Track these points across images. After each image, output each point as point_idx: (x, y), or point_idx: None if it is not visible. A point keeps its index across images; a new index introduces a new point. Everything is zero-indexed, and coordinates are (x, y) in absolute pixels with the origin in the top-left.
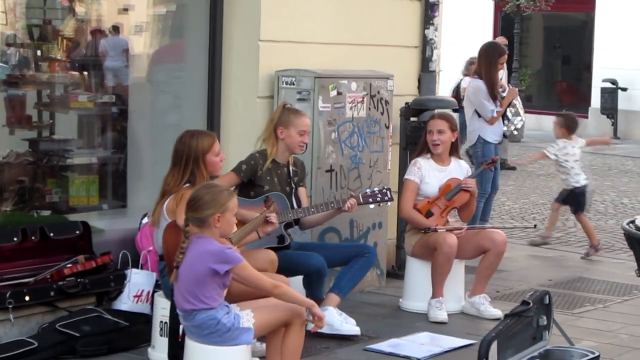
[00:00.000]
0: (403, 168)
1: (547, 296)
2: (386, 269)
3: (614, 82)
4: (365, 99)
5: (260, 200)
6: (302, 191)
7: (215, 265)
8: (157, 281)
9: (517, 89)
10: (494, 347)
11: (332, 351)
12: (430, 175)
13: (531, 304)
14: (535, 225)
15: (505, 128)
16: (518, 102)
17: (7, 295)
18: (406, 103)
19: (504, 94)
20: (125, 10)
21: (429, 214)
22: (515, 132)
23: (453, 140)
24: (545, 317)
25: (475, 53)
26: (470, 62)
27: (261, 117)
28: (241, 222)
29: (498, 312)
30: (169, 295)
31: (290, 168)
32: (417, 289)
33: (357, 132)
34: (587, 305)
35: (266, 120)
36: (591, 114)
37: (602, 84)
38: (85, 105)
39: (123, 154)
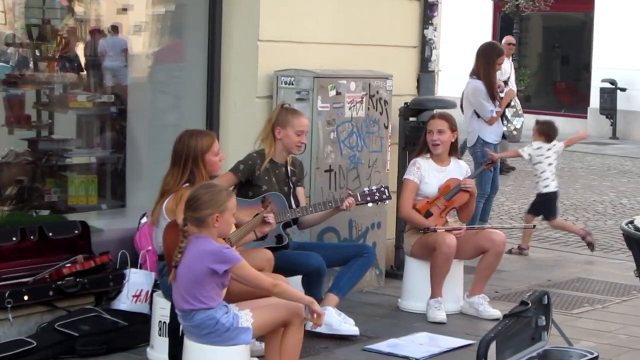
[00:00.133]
0: (402, 168)
1: (546, 296)
2: (385, 269)
3: (613, 82)
4: (364, 99)
5: (258, 200)
6: (300, 191)
7: (214, 265)
8: (156, 281)
9: (515, 90)
10: (492, 347)
11: (331, 351)
12: (430, 175)
13: (530, 305)
14: (534, 226)
15: (505, 128)
16: (517, 102)
17: (6, 294)
18: (405, 103)
19: (502, 94)
20: (124, 10)
21: (428, 214)
22: (515, 132)
23: (453, 140)
24: (544, 318)
25: (474, 53)
26: None
27: (260, 117)
28: (236, 225)
29: (497, 313)
30: (168, 295)
31: (289, 168)
32: (415, 289)
33: (356, 132)
34: (585, 306)
35: (265, 120)
36: (590, 114)
37: (601, 84)
38: (84, 105)
39: (122, 154)
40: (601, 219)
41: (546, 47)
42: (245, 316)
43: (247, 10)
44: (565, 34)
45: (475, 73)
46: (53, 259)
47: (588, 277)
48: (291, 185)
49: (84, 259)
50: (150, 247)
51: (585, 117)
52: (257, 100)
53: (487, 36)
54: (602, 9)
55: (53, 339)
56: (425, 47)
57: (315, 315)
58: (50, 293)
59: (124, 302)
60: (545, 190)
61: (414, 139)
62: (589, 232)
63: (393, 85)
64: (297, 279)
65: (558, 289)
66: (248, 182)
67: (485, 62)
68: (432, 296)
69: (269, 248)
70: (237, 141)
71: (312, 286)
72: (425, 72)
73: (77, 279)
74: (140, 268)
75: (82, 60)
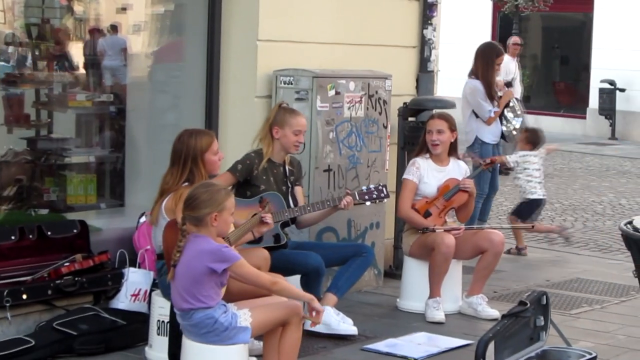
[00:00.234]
0: (401, 168)
1: (545, 297)
2: (384, 268)
3: (612, 82)
4: (363, 99)
5: (256, 200)
6: (298, 190)
7: (213, 263)
8: (154, 280)
9: (519, 90)
10: (491, 347)
11: (329, 351)
12: (429, 175)
13: (528, 305)
14: (532, 226)
15: (504, 128)
16: (515, 103)
17: (5, 293)
18: (404, 103)
19: (500, 94)
20: (124, 9)
21: (427, 214)
22: (515, 132)
23: (452, 140)
24: (542, 318)
25: (473, 53)
26: None
27: (259, 117)
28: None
29: (495, 313)
30: (167, 294)
31: (287, 167)
32: (414, 289)
33: (355, 132)
34: (584, 306)
35: (264, 119)
36: (589, 115)
37: (601, 85)
38: (83, 104)
39: (121, 153)
40: (600, 220)
41: (545, 47)
42: (243, 315)
43: (246, 10)
44: (564, 34)
45: (474, 73)
46: (52, 258)
47: (587, 278)
48: (289, 185)
49: (82, 258)
50: (148, 247)
51: (584, 118)
52: (256, 99)
53: (486, 36)
54: (601, 10)
55: (51, 338)
56: (424, 47)
57: (314, 313)
58: (49, 292)
59: (123, 301)
60: (532, 197)
61: (413, 139)
62: (564, 227)
63: (392, 85)
64: (296, 278)
65: (556, 289)
66: (246, 181)
67: (484, 62)
68: (431, 296)
69: (267, 247)
70: (236, 141)
71: (310, 286)
72: (424, 72)
73: (76, 278)
74: (139, 267)
75: (82, 60)
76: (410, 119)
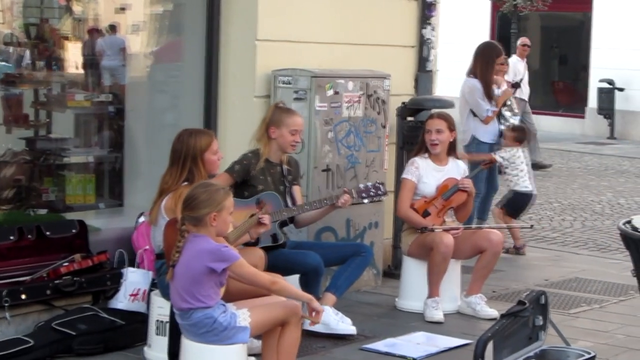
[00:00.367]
0: (399, 168)
1: (543, 296)
2: (382, 268)
3: (611, 82)
4: (361, 99)
5: (253, 200)
6: (296, 190)
7: (212, 263)
8: (153, 280)
9: (527, 91)
10: (489, 347)
11: (328, 350)
12: (428, 174)
13: (527, 304)
14: (531, 226)
15: (503, 127)
16: (512, 101)
17: (4, 293)
18: (403, 103)
19: (498, 92)
20: (122, 9)
21: (425, 214)
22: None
23: (451, 140)
24: (541, 317)
25: (472, 53)
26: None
27: (258, 117)
28: None
29: (494, 312)
30: (166, 294)
31: (284, 167)
32: (413, 288)
33: (354, 131)
34: (583, 306)
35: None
36: (588, 114)
37: (599, 84)
38: (82, 104)
39: (120, 153)
40: (599, 219)
41: (544, 47)
42: (242, 315)
43: (245, 10)
44: (563, 34)
45: (473, 72)
46: (51, 258)
47: (585, 277)
48: (287, 184)
49: (81, 258)
50: (147, 247)
51: (583, 117)
52: (255, 99)
53: (485, 36)
54: (600, 9)
55: (50, 338)
56: (423, 46)
57: (313, 314)
58: (48, 292)
59: (122, 301)
60: (523, 190)
61: (412, 139)
62: (525, 245)
63: (391, 85)
64: (295, 278)
65: (555, 288)
66: (244, 182)
67: (484, 62)
68: (430, 296)
69: (265, 247)
70: (234, 140)
71: (309, 285)
72: (423, 71)
73: (75, 278)
74: (138, 267)
75: (80, 60)
76: (409, 118)
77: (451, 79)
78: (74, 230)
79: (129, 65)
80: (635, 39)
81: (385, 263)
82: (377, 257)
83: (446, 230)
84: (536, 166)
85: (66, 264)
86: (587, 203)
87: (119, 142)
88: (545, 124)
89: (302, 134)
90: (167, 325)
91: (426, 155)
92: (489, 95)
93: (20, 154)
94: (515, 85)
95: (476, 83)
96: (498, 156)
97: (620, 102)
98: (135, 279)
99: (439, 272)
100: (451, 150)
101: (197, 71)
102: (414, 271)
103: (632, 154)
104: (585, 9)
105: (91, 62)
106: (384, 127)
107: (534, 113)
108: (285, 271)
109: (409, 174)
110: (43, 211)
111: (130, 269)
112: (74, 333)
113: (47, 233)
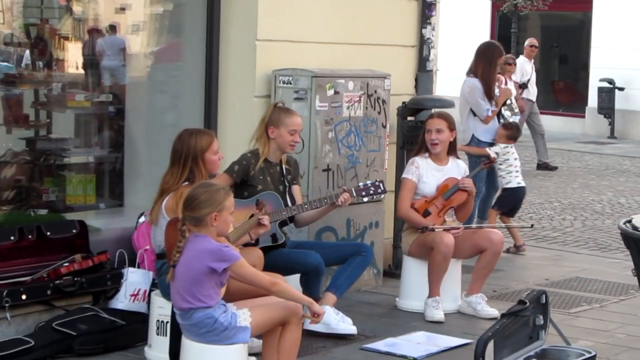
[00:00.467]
0: (400, 167)
1: (544, 295)
2: (383, 268)
3: (611, 81)
4: (362, 98)
5: (253, 200)
6: (296, 189)
7: (213, 263)
8: (153, 280)
9: (535, 91)
10: (490, 346)
11: (329, 350)
12: (428, 174)
13: (528, 304)
14: (532, 225)
15: None
16: (512, 101)
17: (4, 293)
18: (403, 102)
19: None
20: (122, 9)
21: (426, 214)
22: None
23: (451, 139)
24: (541, 317)
25: (472, 53)
26: (505, 62)
27: (258, 117)
28: None
29: (494, 312)
30: (166, 294)
31: (283, 167)
32: (413, 288)
33: (354, 131)
34: (583, 305)
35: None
36: (588, 114)
37: (599, 84)
38: (82, 104)
39: (120, 153)
40: (599, 219)
41: (544, 46)
42: (243, 315)
43: (245, 10)
44: (563, 33)
45: (473, 71)
46: (51, 258)
47: (586, 277)
48: (286, 184)
49: (82, 258)
50: (148, 247)
51: (584, 117)
52: (255, 99)
53: (485, 36)
54: (600, 9)
55: (51, 338)
56: (423, 46)
57: (315, 315)
58: (48, 292)
59: (122, 301)
60: (514, 186)
61: (412, 139)
62: (524, 244)
63: (391, 85)
64: (296, 277)
65: (556, 288)
66: (243, 182)
67: (486, 62)
68: (430, 295)
69: (265, 247)
70: (235, 140)
71: (310, 285)
72: (423, 71)
73: (75, 278)
74: (138, 267)
75: (80, 60)
76: (409, 118)
77: (451, 78)
78: (74, 231)
79: (129, 66)
80: (635, 38)
81: (386, 263)
82: (377, 256)
83: (447, 230)
84: (543, 167)
85: (66, 264)
86: (588, 202)
87: (119, 142)
88: (546, 123)
89: (301, 133)
90: (168, 325)
91: (426, 154)
92: (489, 94)
93: (20, 154)
94: (523, 86)
95: (476, 82)
96: (491, 151)
97: (620, 102)
98: (135, 279)
99: (440, 271)
100: (451, 149)
101: (197, 71)
102: (415, 271)
103: (633, 153)
104: (585, 8)
105: (91, 62)
106: (385, 126)
107: None
108: (286, 271)
109: (409, 174)
110: (43, 211)
111: (131, 269)
112: (74, 333)
113: (48, 233)
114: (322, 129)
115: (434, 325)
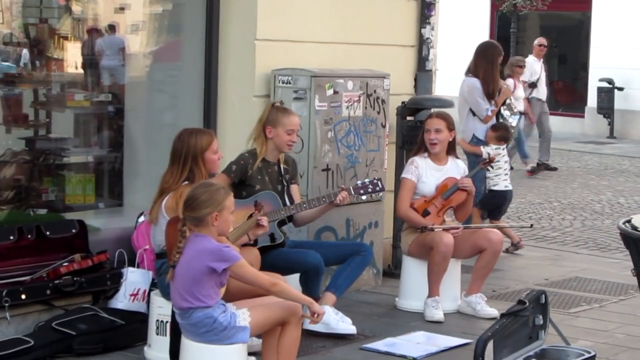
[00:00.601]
0: (399, 167)
1: (543, 295)
2: (382, 268)
3: (610, 81)
4: (361, 98)
5: (251, 200)
6: (294, 188)
7: (213, 263)
8: (153, 280)
9: (545, 91)
10: (490, 346)
11: (328, 350)
12: (428, 174)
13: (527, 304)
14: (531, 225)
15: None
16: (512, 101)
17: (4, 293)
18: (402, 102)
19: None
20: (122, 9)
21: (425, 213)
22: (512, 130)
23: (450, 139)
24: (541, 317)
25: (471, 52)
26: (514, 64)
27: (257, 116)
28: None
29: (494, 312)
30: (166, 293)
31: (281, 166)
32: (413, 288)
33: (354, 131)
34: (583, 305)
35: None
36: (587, 114)
37: (599, 84)
38: (81, 104)
39: (119, 153)
40: (599, 218)
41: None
42: (242, 315)
43: (244, 9)
44: (562, 33)
45: (472, 71)
46: (50, 258)
47: (585, 277)
48: (285, 184)
49: (81, 257)
50: (147, 246)
51: (583, 117)
52: (255, 99)
53: (484, 35)
54: (599, 9)
55: (50, 338)
56: (422, 46)
57: (315, 315)
58: (48, 292)
59: (122, 301)
60: (498, 188)
61: (411, 138)
62: (520, 240)
63: (390, 84)
64: (295, 277)
65: (555, 288)
66: (241, 182)
67: (487, 61)
68: (430, 295)
69: (264, 247)
70: (234, 140)
71: (309, 284)
72: (422, 71)
73: (75, 278)
74: (138, 267)
75: (80, 60)
76: (408, 118)
77: (451, 78)
78: (73, 230)
79: (128, 65)
80: (634, 38)
81: (385, 262)
82: (377, 256)
83: (446, 230)
84: (544, 167)
85: (66, 263)
86: (587, 202)
87: (118, 142)
88: None
89: (300, 133)
90: (167, 325)
91: (426, 154)
92: (488, 94)
93: (19, 154)
94: (532, 86)
95: (475, 82)
96: (484, 150)
97: (619, 102)
98: (135, 278)
99: (439, 271)
100: (450, 149)
101: (196, 71)
102: (414, 271)
103: (632, 153)
104: (584, 8)
105: (90, 62)
106: (384, 126)
107: None
108: (286, 270)
109: (408, 174)
110: (43, 211)
111: (130, 268)
112: (74, 333)
113: (47, 233)
114: (322, 128)
115: (434, 325)
